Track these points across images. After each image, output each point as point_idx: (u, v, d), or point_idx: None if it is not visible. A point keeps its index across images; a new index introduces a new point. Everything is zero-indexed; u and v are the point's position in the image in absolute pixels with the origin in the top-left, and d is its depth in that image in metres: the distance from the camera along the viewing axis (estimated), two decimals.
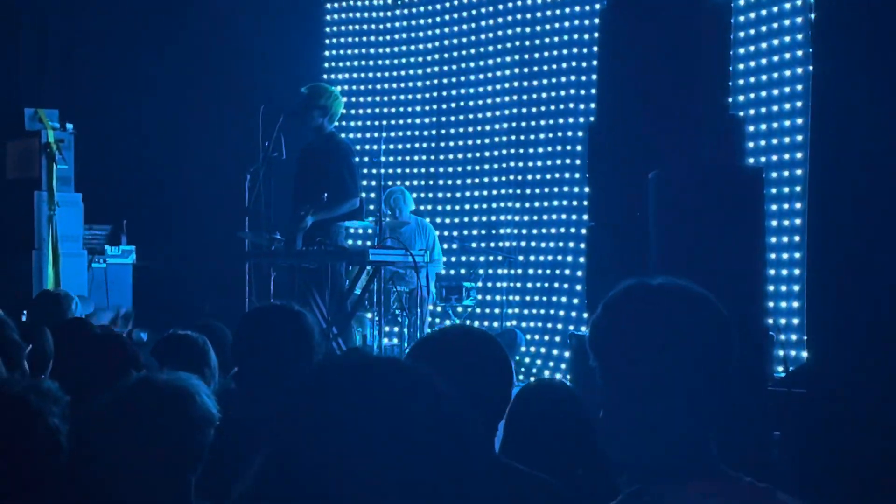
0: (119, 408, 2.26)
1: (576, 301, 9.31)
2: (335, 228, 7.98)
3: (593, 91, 9.28)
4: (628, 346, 2.14)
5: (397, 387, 1.52)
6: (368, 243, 9.27)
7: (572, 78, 9.55)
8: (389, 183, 9.73)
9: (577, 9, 9.50)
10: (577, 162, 9.39)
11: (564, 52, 9.60)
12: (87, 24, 10.13)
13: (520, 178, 9.90)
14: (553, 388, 3.50)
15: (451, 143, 10.43)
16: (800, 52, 7.50)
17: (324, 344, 4.33)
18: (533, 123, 9.84)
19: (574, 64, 9.52)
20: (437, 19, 10.57)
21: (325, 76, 10.83)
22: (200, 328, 4.32)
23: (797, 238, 7.31)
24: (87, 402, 2.45)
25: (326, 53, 11.07)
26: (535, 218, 9.75)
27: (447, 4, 10.50)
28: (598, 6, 8.94)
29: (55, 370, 3.44)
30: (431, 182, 10.49)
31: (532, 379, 9.21)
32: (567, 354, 8.74)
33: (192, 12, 10.43)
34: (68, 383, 2.93)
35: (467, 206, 10.28)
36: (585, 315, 8.99)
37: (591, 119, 8.86)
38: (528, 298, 9.74)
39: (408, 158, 10.64)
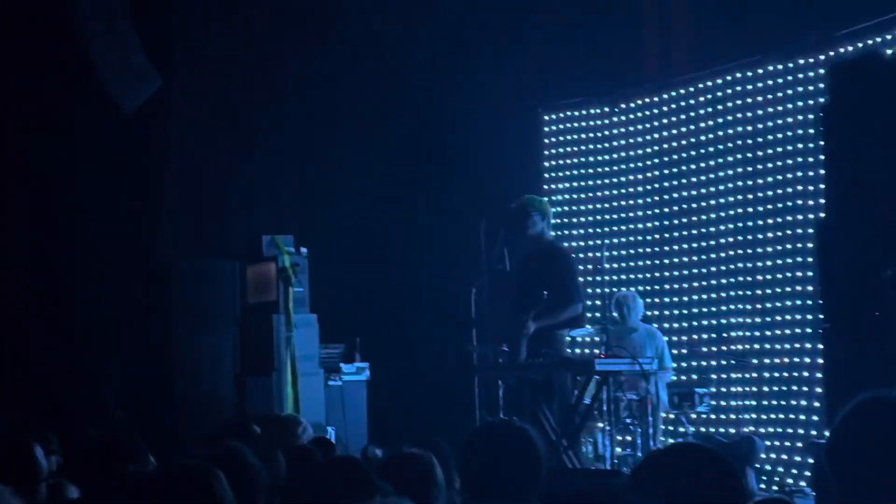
0: None
1: (816, 404, 8.88)
2: (558, 337, 7.97)
3: (821, 186, 9.01)
4: (864, 462, 2.09)
5: None
6: (596, 351, 9.19)
7: (798, 174, 9.28)
8: (615, 290, 9.65)
9: (800, 104, 9.26)
10: (809, 260, 9.05)
11: (789, 147, 9.36)
12: (316, 151, 10.65)
13: (749, 279, 9.62)
14: None
15: (676, 247, 10.27)
16: None
17: (551, 459, 4.29)
18: (760, 223, 9.58)
19: (800, 160, 9.26)
20: (655, 123, 10.53)
21: (545, 186, 10.93)
22: (426, 445, 4.37)
23: None
24: None
25: (546, 164, 11.18)
26: (768, 319, 9.42)
27: (664, 108, 10.47)
28: (820, 100, 8.71)
29: (288, 495, 3.54)
30: (657, 287, 10.33)
31: (775, 490, 8.82)
32: (811, 461, 8.34)
33: (413, 134, 10.81)
34: None
35: (695, 310, 10.04)
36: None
37: (821, 215, 8.58)
38: (764, 403, 9.37)
39: (631, 264, 10.54)
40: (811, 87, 9.12)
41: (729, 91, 9.87)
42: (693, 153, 10.17)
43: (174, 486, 2.65)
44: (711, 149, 10.01)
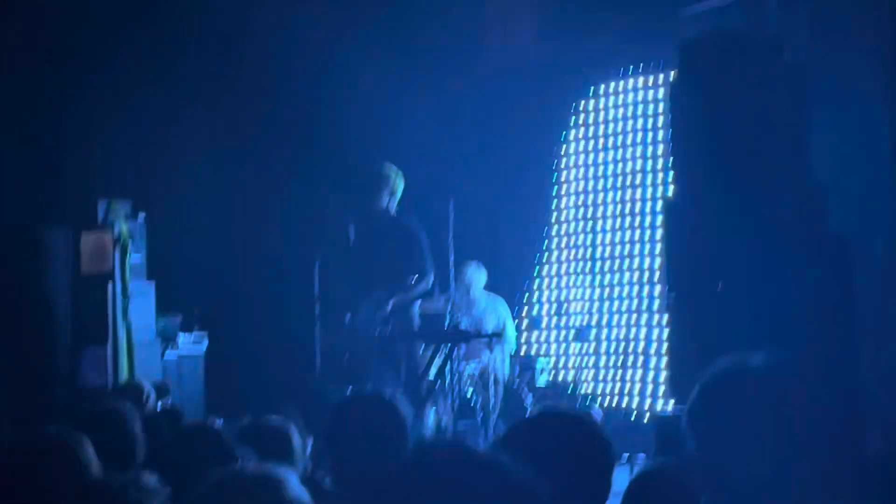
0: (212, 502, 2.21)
1: (650, 377, 9.14)
2: (408, 308, 7.93)
3: (661, 163, 9.24)
4: (727, 429, 2.14)
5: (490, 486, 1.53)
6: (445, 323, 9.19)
7: (640, 149, 9.49)
8: (459, 260, 9.66)
9: (649, 80, 9.44)
10: (648, 235, 9.28)
11: (631, 123, 9.56)
12: (159, 112, 10.26)
13: (590, 252, 9.81)
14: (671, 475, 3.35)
15: (519, 219, 10.38)
16: None
17: (417, 430, 4.26)
18: (601, 197, 9.77)
19: (641, 136, 9.47)
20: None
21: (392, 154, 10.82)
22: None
23: None
24: (181, 496, 2.40)
25: None
26: (606, 292, 9.63)
27: None
28: (664, 77, 8.91)
29: (147, 463, 3.41)
30: (499, 257, 10.41)
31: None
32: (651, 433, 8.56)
33: (262, 97, 10.52)
34: (163, 476, 2.89)
35: (537, 283, 10.19)
36: (661, 391, 8.83)
37: (665, 192, 8.81)
38: (601, 375, 9.59)
39: (476, 236, 10.57)
40: (654, 64, 9.33)
41: None
42: None
43: (37, 453, 2.50)
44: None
